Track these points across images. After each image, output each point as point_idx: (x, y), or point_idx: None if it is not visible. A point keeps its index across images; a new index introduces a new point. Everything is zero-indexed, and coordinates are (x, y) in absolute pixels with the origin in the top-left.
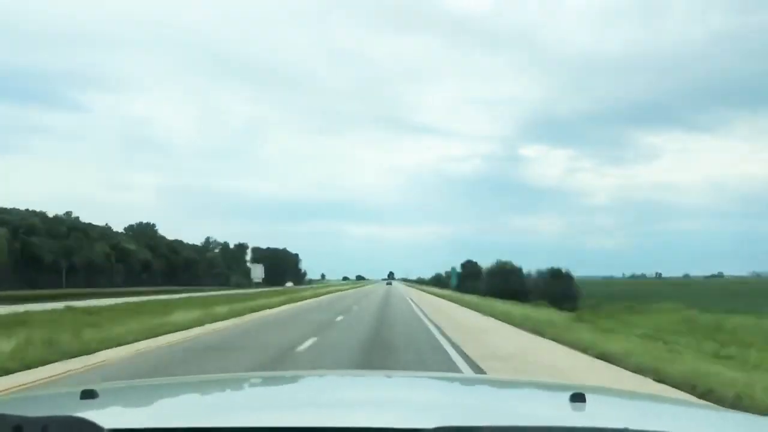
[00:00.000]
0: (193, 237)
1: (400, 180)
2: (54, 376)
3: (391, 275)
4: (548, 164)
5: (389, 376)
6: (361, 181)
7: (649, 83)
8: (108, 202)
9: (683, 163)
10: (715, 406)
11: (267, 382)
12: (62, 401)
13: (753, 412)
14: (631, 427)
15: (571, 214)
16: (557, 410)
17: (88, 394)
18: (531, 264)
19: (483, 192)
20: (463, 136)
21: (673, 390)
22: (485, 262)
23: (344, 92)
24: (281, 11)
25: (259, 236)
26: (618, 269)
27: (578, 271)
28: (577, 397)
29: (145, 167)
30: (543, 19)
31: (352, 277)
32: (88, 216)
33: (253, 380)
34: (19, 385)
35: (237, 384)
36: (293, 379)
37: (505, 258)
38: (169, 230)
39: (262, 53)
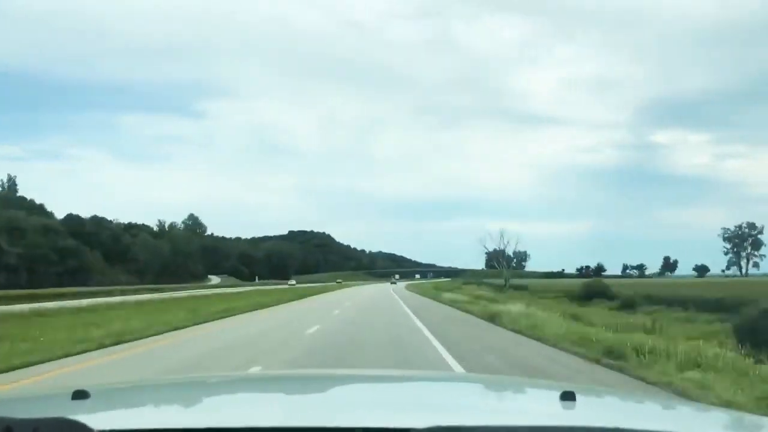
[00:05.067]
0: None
1: (524, 174)
2: None
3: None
4: (688, 151)
5: (380, 375)
6: (483, 176)
7: None
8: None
9: None
10: (706, 405)
11: (257, 382)
12: (53, 402)
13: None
14: (622, 426)
15: (728, 206)
16: (548, 409)
17: (80, 395)
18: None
19: (618, 184)
20: (586, 124)
21: None
22: (622, 261)
23: (454, 86)
24: (386, 10)
25: (388, 235)
26: None
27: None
28: (568, 396)
29: (271, 169)
30: None
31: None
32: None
33: (243, 380)
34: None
35: (228, 385)
36: (284, 379)
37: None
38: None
39: (370, 52)
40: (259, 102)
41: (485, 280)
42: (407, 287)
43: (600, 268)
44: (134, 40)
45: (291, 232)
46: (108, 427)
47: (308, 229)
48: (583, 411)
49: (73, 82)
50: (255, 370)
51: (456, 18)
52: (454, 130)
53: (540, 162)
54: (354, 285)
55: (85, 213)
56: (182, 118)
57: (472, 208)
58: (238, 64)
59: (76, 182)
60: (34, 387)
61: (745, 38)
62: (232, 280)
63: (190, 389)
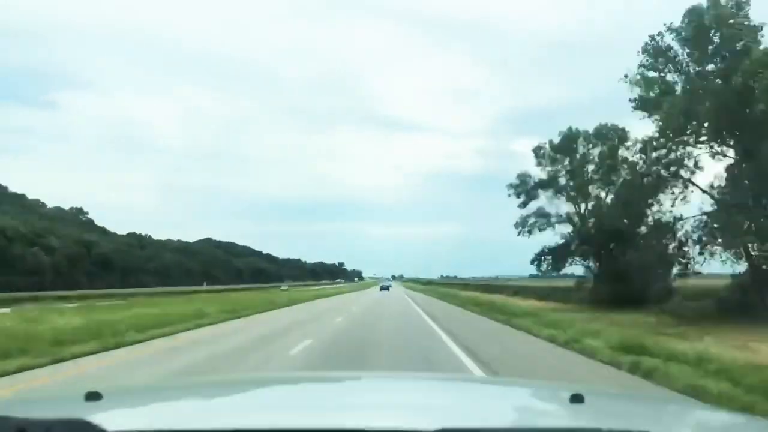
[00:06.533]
0: (189, 237)
1: (396, 177)
2: None
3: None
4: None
5: (390, 377)
6: (355, 178)
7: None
8: (100, 203)
9: None
10: (718, 408)
11: (269, 383)
12: (66, 403)
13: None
14: (633, 428)
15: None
16: (557, 411)
17: (93, 396)
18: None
19: (481, 189)
20: (451, 132)
21: None
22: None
23: (327, 89)
24: (260, 10)
25: (262, 236)
26: None
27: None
28: (577, 398)
29: (131, 167)
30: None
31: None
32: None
33: (255, 382)
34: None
35: (239, 386)
36: (295, 381)
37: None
38: (166, 232)
39: (241, 51)
40: (119, 96)
41: None
42: None
43: None
44: None
45: None
46: (121, 428)
47: None
48: (592, 413)
49: None
50: (273, 366)
51: (330, 22)
52: (327, 133)
53: (410, 166)
54: None
55: None
56: (27, 108)
57: (345, 209)
58: (94, 54)
59: None
60: (47, 388)
61: (589, 55)
62: None
63: (203, 391)
